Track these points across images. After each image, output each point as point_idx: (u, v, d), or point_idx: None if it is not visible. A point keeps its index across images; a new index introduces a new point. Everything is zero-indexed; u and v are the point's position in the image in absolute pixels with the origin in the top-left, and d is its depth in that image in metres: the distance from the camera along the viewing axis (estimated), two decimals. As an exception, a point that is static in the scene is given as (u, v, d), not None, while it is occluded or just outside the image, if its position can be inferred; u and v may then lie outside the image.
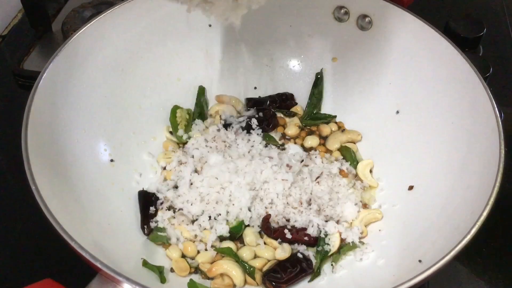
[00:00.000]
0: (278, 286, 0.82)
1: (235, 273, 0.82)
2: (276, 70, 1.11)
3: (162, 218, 0.90)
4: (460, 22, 1.25)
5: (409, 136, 0.97)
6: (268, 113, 1.05)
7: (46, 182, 0.76)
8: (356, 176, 0.97)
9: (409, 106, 0.98)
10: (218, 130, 1.02)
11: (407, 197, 0.91)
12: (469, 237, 0.71)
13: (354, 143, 1.03)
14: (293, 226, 0.88)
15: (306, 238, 0.87)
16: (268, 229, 0.88)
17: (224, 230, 0.87)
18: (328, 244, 0.86)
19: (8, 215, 1.00)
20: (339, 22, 1.06)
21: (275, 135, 1.04)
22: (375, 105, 1.03)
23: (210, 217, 0.89)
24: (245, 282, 0.83)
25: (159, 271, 0.81)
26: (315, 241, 0.87)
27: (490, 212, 0.73)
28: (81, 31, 0.93)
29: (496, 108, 0.83)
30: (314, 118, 1.07)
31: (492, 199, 0.74)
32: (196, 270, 0.86)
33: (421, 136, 0.95)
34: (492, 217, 0.73)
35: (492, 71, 1.16)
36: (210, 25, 1.07)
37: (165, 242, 0.88)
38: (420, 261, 0.75)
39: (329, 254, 0.86)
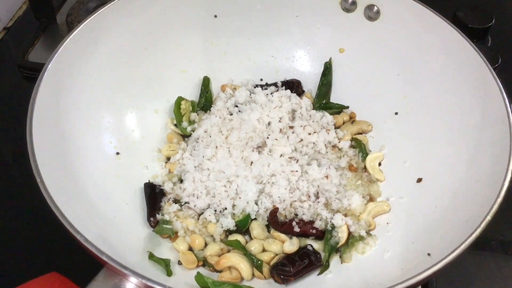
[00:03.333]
0: (286, 279, 0.81)
1: (243, 266, 0.82)
2: (282, 61, 1.10)
3: (168, 210, 0.89)
4: (468, 12, 1.23)
5: (417, 127, 0.95)
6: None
7: (51, 175, 0.75)
8: (364, 169, 0.96)
9: (417, 97, 0.97)
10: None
11: (415, 190, 0.90)
12: (479, 230, 0.70)
13: (365, 133, 1.02)
14: (300, 219, 0.88)
15: (313, 231, 0.86)
16: (276, 222, 0.87)
17: (230, 224, 0.86)
18: (335, 236, 0.85)
19: (14, 208, 0.99)
20: (347, 13, 1.05)
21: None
22: (383, 96, 1.02)
23: (215, 210, 0.88)
24: (253, 275, 0.83)
25: (166, 264, 0.80)
26: (323, 234, 0.86)
27: (500, 205, 0.72)
28: (85, 22, 0.93)
29: (507, 99, 0.82)
30: (326, 107, 1.05)
31: (502, 193, 0.73)
32: (204, 263, 0.85)
33: (430, 128, 0.93)
34: (501, 210, 0.73)
35: (500, 61, 1.15)
36: (215, 16, 1.07)
37: (171, 235, 0.87)
38: (429, 254, 0.74)
39: (337, 246, 0.85)
